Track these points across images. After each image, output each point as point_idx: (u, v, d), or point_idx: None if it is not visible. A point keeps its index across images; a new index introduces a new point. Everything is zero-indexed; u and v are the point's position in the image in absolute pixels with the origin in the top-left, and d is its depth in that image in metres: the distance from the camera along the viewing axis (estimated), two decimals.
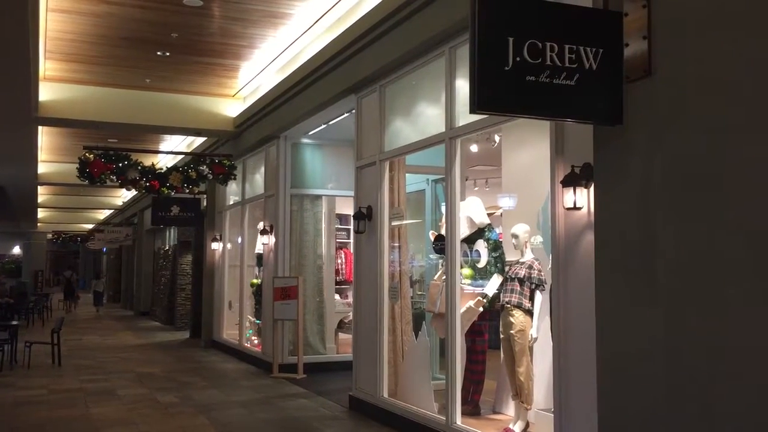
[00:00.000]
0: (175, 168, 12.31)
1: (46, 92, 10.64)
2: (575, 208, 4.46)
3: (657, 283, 3.38)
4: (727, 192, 3.06)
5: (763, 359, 2.87)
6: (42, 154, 16.19)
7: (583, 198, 4.45)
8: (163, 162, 16.01)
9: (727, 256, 3.04)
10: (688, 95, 3.27)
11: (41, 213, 29.68)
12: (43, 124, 11.96)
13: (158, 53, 9.49)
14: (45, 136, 14.59)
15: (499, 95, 3.40)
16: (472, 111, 3.42)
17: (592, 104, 3.57)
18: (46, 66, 10.00)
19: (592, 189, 4.26)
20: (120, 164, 11.44)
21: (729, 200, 3.05)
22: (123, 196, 24.73)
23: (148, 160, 12.74)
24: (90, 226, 35.03)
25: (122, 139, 14.34)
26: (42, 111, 10.69)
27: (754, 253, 2.93)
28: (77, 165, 11.31)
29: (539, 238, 6.44)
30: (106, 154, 11.43)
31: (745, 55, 3.02)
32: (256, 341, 12.09)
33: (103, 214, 31.92)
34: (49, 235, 39.25)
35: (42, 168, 17.56)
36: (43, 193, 23.25)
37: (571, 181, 4.45)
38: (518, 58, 3.34)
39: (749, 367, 2.93)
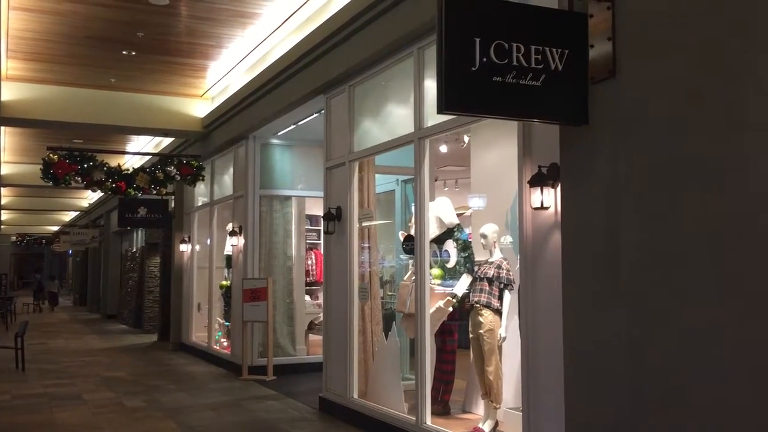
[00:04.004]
0: (141, 169, 12.15)
1: (9, 92, 10.43)
2: (542, 207, 4.48)
3: (621, 281, 3.42)
4: (688, 191, 3.11)
5: (722, 356, 2.92)
6: (5, 155, 15.89)
7: (550, 198, 4.47)
8: (130, 163, 15.80)
9: (689, 255, 3.09)
10: (651, 96, 3.32)
11: (5, 215, 29.13)
12: (5, 125, 11.75)
13: (123, 52, 9.36)
14: (7, 137, 14.31)
15: (466, 96, 3.41)
16: (440, 111, 3.43)
17: (558, 105, 3.60)
18: (8, 65, 9.81)
19: (559, 189, 4.30)
20: (85, 165, 11.27)
21: (691, 200, 3.10)
22: (89, 197, 24.36)
23: (114, 161, 12.56)
24: (55, 228, 34.45)
25: (87, 140, 14.12)
26: (4, 111, 10.48)
27: (714, 252, 2.97)
28: (41, 166, 11.11)
29: (509, 238, 6.47)
30: (71, 154, 11.25)
31: (705, 56, 3.06)
32: (225, 343, 11.98)
33: (68, 216, 31.42)
34: (13, 238, 38.50)
35: (5, 169, 17.22)
36: (6, 195, 22.82)
37: (538, 181, 4.48)
38: (485, 59, 3.36)
39: (709, 363, 2.97)
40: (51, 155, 11.07)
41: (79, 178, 11.29)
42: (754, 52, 2.86)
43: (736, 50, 2.93)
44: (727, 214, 2.93)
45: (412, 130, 6.25)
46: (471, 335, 6.26)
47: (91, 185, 11.58)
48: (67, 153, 11.25)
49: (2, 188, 19.78)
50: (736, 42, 2.94)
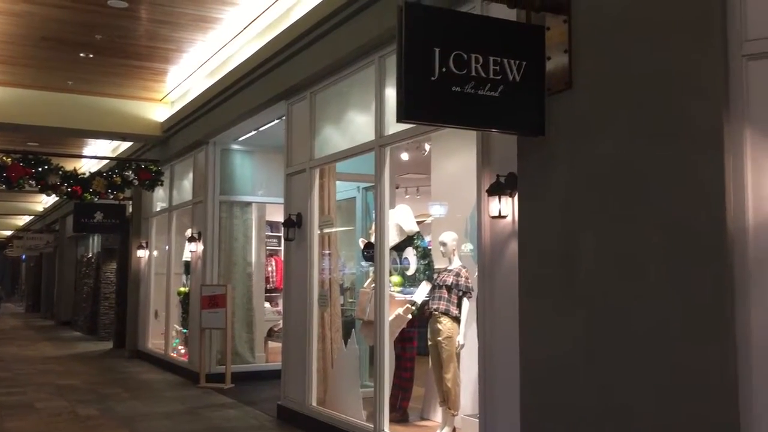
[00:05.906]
0: (98, 173, 11.96)
1: None
2: (500, 216, 4.54)
3: (577, 289, 3.48)
4: (642, 199, 3.18)
5: (677, 359, 2.99)
6: None
7: (507, 207, 4.53)
8: (87, 167, 15.51)
9: (644, 260, 3.16)
10: (606, 107, 3.39)
11: None
12: None
13: (81, 54, 9.21)
14: None
15: (425, 105, 3.45)
16: (399, 120, 3.46)
17: (515, 115, 3.66)
18: None
19: (516, 198, 4.36)
20: (40, 169, 11.03)
21: (644, 207, 3.17)
22: (44, 201, 23.84)
23: (70, 165, 12.33)
24: (9, 233, 33.62)
25: (43, 143, 13.83)
26: None
27: (668, 260, 3.05)
28: None
29: (469, 246, 6.53)
30: (25, 158, 11.01)
31: (655, 67, 3.15)
32: (182, 351, 11.82)
33: (22, 221, 30.70)
34: None
35: None
36: None
37: (496, 190, 4.53)
38: (444, 69, 3.40)
39: (665, 368, 3.04)
40: (4, 158, 10.81)
41: (34, 182, 11.06)
42: (697, 64, 2.95)
43: (681, 62, 3.02)
44: (681, 218, 3.01)
45: (373, 138, 6.27)
46: (429, 342, 6.30)
47: (45, 189, 11.35)
48: (22, 156, 11.01)
49: None
50: (681, 54, 3.03)
